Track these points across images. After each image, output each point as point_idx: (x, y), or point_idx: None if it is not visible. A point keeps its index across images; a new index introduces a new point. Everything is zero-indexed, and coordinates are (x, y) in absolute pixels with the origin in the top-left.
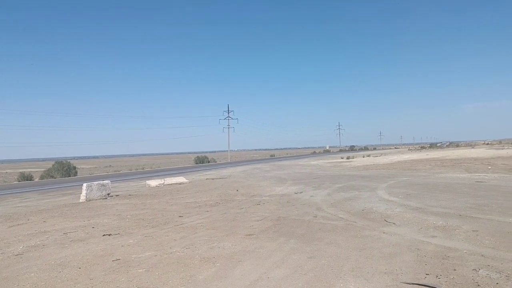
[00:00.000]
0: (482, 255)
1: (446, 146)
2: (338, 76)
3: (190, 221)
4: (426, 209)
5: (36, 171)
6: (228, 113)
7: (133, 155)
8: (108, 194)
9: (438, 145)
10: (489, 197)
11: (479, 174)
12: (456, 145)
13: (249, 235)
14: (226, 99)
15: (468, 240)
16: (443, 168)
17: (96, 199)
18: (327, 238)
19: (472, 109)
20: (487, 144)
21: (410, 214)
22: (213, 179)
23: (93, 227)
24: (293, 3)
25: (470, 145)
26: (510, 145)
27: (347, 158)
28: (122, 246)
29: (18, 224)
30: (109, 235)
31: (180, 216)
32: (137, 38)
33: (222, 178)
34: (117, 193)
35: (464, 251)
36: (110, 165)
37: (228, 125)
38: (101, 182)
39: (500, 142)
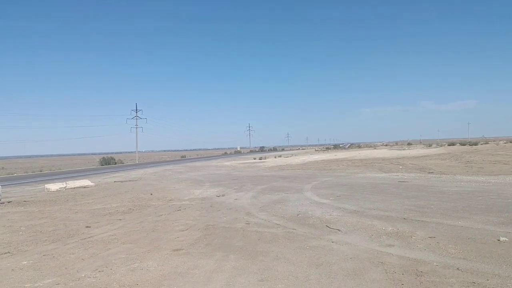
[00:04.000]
0: (458, 269)
1: (348, 147)
2: (246, 77)
3: (100, 232)
4: (365, 212)
5: None
6: (136, 112)
7: (29, 156)
8: None
9: (340, 146)
10: (422, 198)
11: (396, 174)
12: (358, 146)
13: (177, 250)
14: (134, 98)
15: (432, 250)
16: (357, 168)
17: None
18: (272, 251)
19: (370, 113)
20: (386, 145)
21: (352, 219)
22: (122, 181)
23: None
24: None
25: (371, 146)
26: (406, 146)
27: (260, 159)
28: (13, 270)
29: None
30: None
31: (87, 227)
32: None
33: (132, 181)
34: (9, 199)
35: (435, 264)
36: (2, 167)
37: (136, 125)
38: None
39: (396, 143)
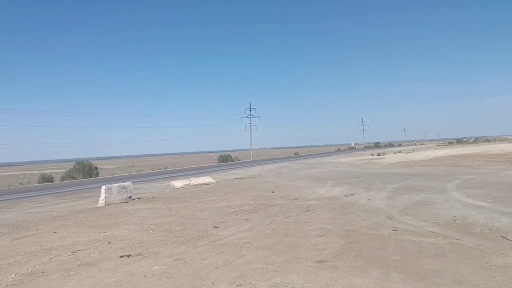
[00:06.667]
0: None
1: (473, 141)
2: (360, 72)
3: (229, 234)
4: None
5: (59, 172)
6: (250, 111)
7: (155, 155)
8: (130, 197)
9: (464, 140)
10: None
11: None
12: (486, 140)
13: (320, 261)
14: (247, 97)
15: None
16: (500, 164)
17: (116, 203)
18: (445, 270)
19: (498, 103)
20: None
21: None
22: (241, 178)
23: (109, 242)
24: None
25: (503, 139)
26: None
27: (378, 155)
28: (145, 276)
29: (24, 236)
30: (128, 256)
31: (215, 227)
32: (149, 39)
33: (251, 178)
34: (139, 196)
35: None
36: (132, 165)
37: (250, 123)
38: (122, 184)
39: None
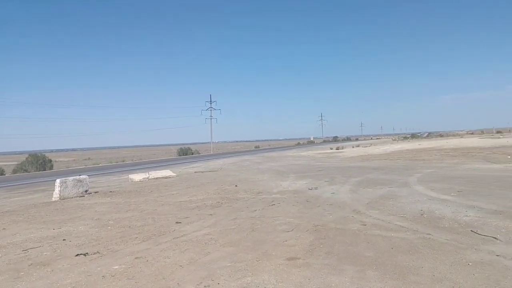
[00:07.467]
0: None
1: (426, 136)
2: (319, 67)
3: (192, 230)
4: None
5: (10, 165)
6: (211, 103)
7: (112, 147)
8: (86, 191)
9: (418, 135)
10: None
11: (509, 165)
12: (439, 135)
13: (292, 259)
14: (207, 90)
15: None
16: (455, 158)
17: (72, 197)
18: (421, 266)
19: (449, 100)
20: (471, 133)
21: (500, 222)
22: (202, 172)
23: (64, 240)
24: None
25: (454, 135)
26: (496, 134)
27: (337, 149)
28: (103, 277)
29: None
30: (84, 254)
31: (177, 223)
32: (106, 26)
33: (213, 171)
34: (96, 190)
35: None
36: (89, 158)
37: (211, 116)
38: (78, 177)
39: (482, 131)
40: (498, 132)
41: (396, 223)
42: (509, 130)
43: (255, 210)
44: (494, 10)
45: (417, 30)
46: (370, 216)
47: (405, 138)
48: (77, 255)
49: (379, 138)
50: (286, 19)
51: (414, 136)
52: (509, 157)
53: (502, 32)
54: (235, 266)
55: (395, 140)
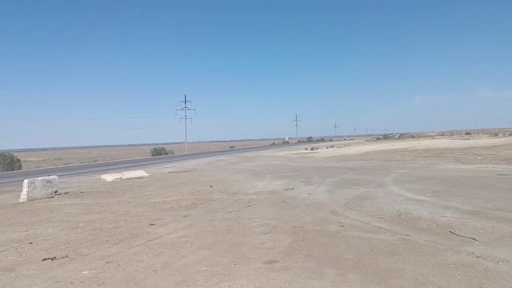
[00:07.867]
0: None
1: (398, 137)
2: (294, 68)
3: (166, 232)
4: (489, 214)
5: None
6: (185, 103)
7: (84, 147)
8: (56, 191)
9: (390, 136)
10: None
11: (484, 166)
12: (411, 136)
13: (270, 262)
14: (181, 89)
15: None
16: (428, 159)
17: (41, 198)
18: (402, 269)
19: (421, 102)
20: (442, 135)
21: (477, 222)
22: (176, 172)
23: (30, 243)
24: None
25: (425, 136)
26: (466, 135)
27: (312, 149)
28: (72, 283)
29: None
30: (52, 259)
31: (151, 224)
32: (79, 25)
33: (187, 172)
34: (66, 190)
35: None
36: (59, 158)
37: (185, 116)
38: (47, 177)
39: (452, 133)
40: (467, 133)
41: (375, 224)
42: (477, 132)
43: (231, 212)
44: (465, 14)
45: (390, 34)
46: (348, 217)
47: (378, 139)
48: (44, 259)
49: (353, 139)
50: (257, 20)
51: (386, 137)
52: (480, 158)
53: (472, 37)
54: (211, 271)
55: (368, 141)
